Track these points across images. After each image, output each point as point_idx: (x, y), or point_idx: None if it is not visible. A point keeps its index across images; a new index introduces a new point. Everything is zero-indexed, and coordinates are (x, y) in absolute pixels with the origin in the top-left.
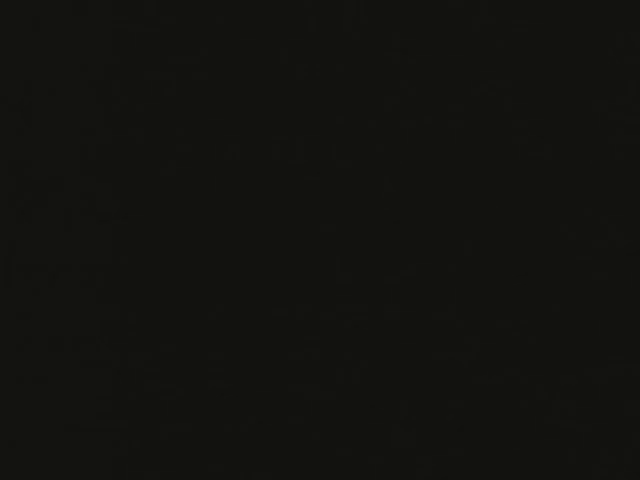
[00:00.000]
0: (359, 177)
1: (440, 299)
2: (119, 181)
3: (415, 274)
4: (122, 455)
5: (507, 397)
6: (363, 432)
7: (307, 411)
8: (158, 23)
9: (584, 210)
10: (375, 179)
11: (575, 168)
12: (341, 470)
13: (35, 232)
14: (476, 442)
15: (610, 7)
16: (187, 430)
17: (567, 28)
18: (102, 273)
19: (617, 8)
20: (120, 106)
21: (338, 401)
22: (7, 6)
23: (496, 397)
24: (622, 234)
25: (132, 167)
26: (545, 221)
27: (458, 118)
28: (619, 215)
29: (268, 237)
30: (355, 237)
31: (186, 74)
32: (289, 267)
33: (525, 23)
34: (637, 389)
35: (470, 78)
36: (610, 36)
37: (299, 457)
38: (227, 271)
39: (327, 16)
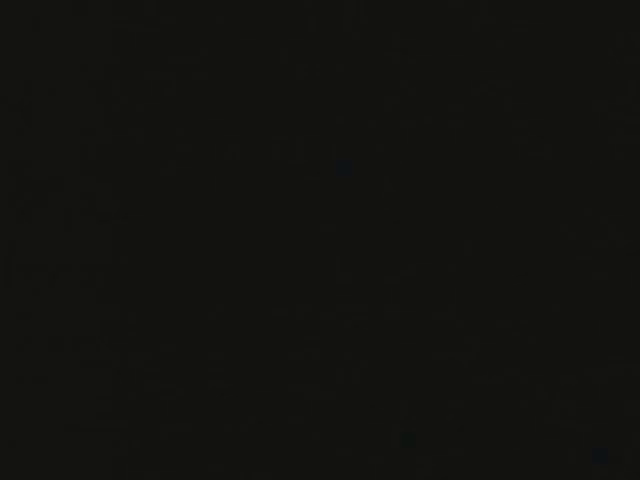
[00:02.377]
0: (359, 177)
1: (440, 299)
2: (119, 181)
3: (415, 274)
4: (122, 455)
5: (507, 397)
6: (363, 432)
7: (307, 411)
8: (158, 23)
9: (584, 210)
10: (375, 179)
11: (575, 168)
12: (341, 470)
13: (35, 232)
14: (476, 442)
15: (610, 7)
16: (187, 430)
17: (567, 28)
18: (102, 273)
19: (617, 8)
20: (120, 106)
21: (338, 401)
22: (7, 6)
23: (496, 397)
24: (622, 234)
25: (132, 167)
26: (545, 221)
27: (458, 118)
28: (619, 215)
29: (268, 237)
30: (355, 237)
31: (186, 74)
32: (289, 267)
33: (525, 23)
34: (637, 389)
35: (470, 78)
36: (610, 36)
37: (299, 457)
38: (227, 271)
39: (327, 16)
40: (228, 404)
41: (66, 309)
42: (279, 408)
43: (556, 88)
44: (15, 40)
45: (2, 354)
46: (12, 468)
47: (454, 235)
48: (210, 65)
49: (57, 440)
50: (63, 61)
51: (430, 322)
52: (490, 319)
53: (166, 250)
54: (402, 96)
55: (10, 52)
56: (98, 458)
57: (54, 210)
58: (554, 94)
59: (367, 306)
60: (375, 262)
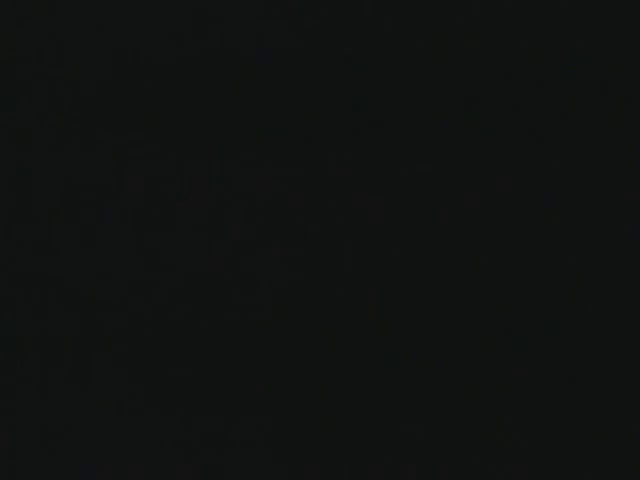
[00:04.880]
0: (359, 177)
1: (440, 299)
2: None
3: (415, 274)
4: (122, 455)
5: (507, 397)
6: (363, 432)
7: (307, 411)
8: (159, 23)
9: (583, 210)
10: (375, 179)
11: (575, 168)
12: (341, 469)
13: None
14: (476, 441)
15: (610, 7)
16: (187, 428)
17: (568, 28)
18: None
19: (617, 8)
20: (120, 106)
21: (338, 401)
22: (7, 5)
23: (496, 397)
24: (622, 234)
25: (133, 167)
26: (545, 221)
27: (458, 118)
28: (619, 215)
29: (268, 237)
30: (355, 236)
31: (186, 74)
32: (289, 267)
33: (525, 23)
34: (637, 389)
35: (470, 77)
36: (610, 36)
37: (300, 456)
38: (226, 271)
39: (328, 16)
40: (228, 403)
41: (66, 309)
42: (279, 407)
43: (556, 88)
44: (15, 39)
45: (2, 353)
46: (12, 468)
47: (454, 235)
48: (210, 65)
49: (57, 440)
50: (63, 60)
51: (430, 322)
52: (490, 319)
53: (166, 250)
54: (402, 96)
55: (10, 51)
56: (98, 458)
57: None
58: (554, 93)
59: (367, 304)
60: (375, 261)
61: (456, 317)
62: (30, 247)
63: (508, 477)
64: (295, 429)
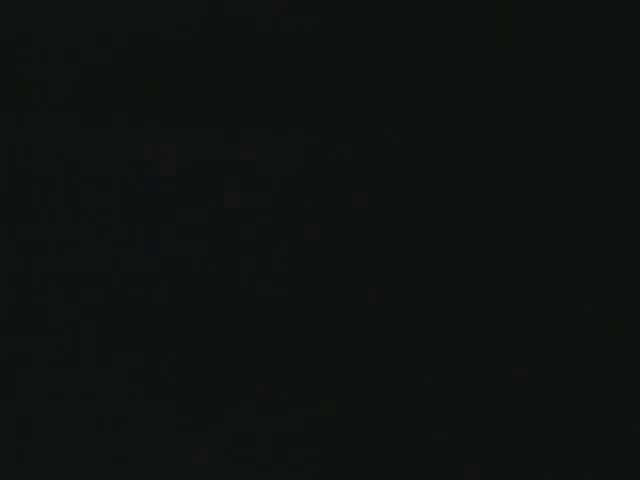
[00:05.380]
0: (360, 177)
1: (440, 299)
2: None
3: (414, 274)
4: (123, 455)
5: (507, 397)
6: (364, 433)
7: (309, 410)
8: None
9: (583, 210)
10: (377, 178)
11: (575, 168)
12: (343, 469)
13: (34, 233)
14: (475, 441)
15: (610, 7)
16: (186, 428)
17: (567, 28)
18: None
19: (617, 8)
20: (122, 105)
21: (338, 402)
22: (7, 4)
23: (496, 397)
24: (622, 235)
25: (136, 167)
26: (545, 221)
27: (458, 118)
28: (619, 215)
29: (268, 236)
30: (355, 236)
31: (186, 73)
32: (289, 267)
33: (525, 23)
34: (637, 389)
35: (470, 78)
36: (610, 36)
37: (301, 456)
38: (225, 271)
39: (328, 16)
40: (227, 403)
41: (67, 310)
42: (279, 407)
43: (555, 88)
44: (14, 37)
45: (3, 353)
46: (13, 467)
47: (454, 235)
48: (210, 65)
49: (56, 440)
50: (63, 58)
51: (430, 323)
52: (490, 319)
53: (164, 251)
54: (402, 96)
55: (9, 49)
56: (98, 457)
57: (53, 212)
58: (554, 94)
59: (366, 303)
60: (374, 260)
61: (455, 317)
62: (30, 241)
63: (508, 477)
64: (294, 429)
